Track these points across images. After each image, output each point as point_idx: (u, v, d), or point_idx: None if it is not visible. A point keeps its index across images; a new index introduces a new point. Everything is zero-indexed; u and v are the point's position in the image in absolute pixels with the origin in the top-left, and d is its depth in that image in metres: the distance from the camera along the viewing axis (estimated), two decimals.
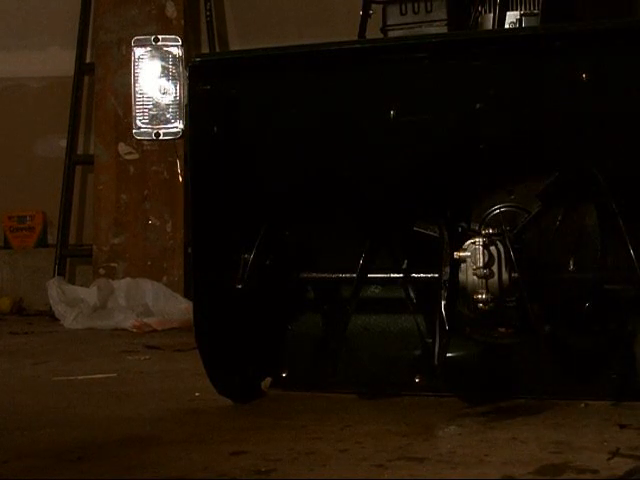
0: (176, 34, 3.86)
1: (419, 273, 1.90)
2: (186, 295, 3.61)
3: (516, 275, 1.79)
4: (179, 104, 3.88)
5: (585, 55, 1.72)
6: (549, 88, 1.76)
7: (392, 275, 1.93)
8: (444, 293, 1.78)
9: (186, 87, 1.93)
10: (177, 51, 3.84)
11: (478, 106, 1.76)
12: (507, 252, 1.78)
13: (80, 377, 2.35)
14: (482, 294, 1.79)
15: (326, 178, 1.92)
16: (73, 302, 3.62)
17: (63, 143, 4.12)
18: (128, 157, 3.88)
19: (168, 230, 3.83)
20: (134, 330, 3.36)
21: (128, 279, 3.71)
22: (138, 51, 3.85)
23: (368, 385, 1.98)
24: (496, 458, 1.44)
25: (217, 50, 4.07)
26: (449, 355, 1.81)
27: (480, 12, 2.42)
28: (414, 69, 1.79)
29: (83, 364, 2.58)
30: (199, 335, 1.89)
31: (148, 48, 3.86)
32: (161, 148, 3.85)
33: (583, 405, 1.80)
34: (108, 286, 3.68)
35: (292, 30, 4.00)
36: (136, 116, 3.82)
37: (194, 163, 1.92)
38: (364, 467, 1.41)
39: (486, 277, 1.79)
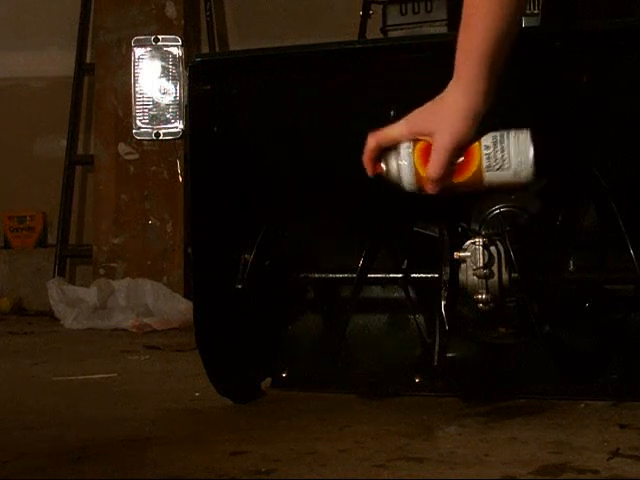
0: (176, 34, 3.88)
1: (419, 273, 1.90)
2: (186, 295, 3.61)
3: (516, 275, 1.79)
4: (179, 104, 3.89)
5: (585, 55, 1.72)
6: (549, 88, 1.76)
7: (392, 275, 1.93)
8: (444, 293, 1.78)
9: (186, 87, 1.93)
10: (177, 51, 3.87)
11: None
12: (507, 252, 1.78)
13: (80, 377, 2.35)
14: (482, 294, 1.79)
15: (326, 178, 1.92)
16: (73, 302, 3.62)
17: (63, 143, 4.12)
18: (128, 157, 3.88)
19: (168, 230, 3.83)
20: (134, 330, 3.36)
21: (128, 279, 3.71)
22: (138, 51, 3.87)
23: (368, 385, 1.98)
24: (496, 458, 1.44)
25: (217, 50, 4.07)
26: (449, 355, 1.81)
27: None
28: (414, 69, 1.79)
29: (83, 364, 2.58)
30: (199, 335, 1.88)
31: (148, 48, 3.89)
32: (161, 148, 3.85)
33: (583, 405, 1.79)
34: (108, 286, 3.68)
35: (292, 30, 4.00)
36: (136, 116, 3.85)
37: (194, 163, 1.92)
38: (364, 467, 1.41)
39: (486, 277, 1.79)
